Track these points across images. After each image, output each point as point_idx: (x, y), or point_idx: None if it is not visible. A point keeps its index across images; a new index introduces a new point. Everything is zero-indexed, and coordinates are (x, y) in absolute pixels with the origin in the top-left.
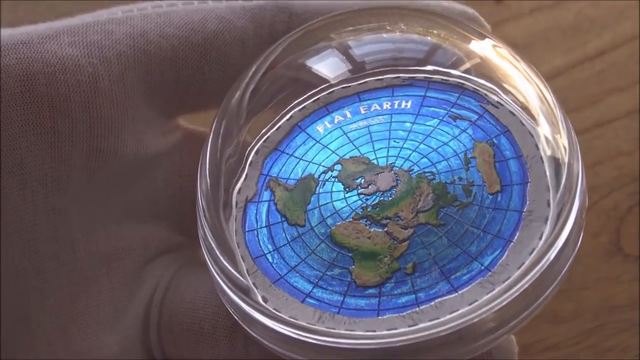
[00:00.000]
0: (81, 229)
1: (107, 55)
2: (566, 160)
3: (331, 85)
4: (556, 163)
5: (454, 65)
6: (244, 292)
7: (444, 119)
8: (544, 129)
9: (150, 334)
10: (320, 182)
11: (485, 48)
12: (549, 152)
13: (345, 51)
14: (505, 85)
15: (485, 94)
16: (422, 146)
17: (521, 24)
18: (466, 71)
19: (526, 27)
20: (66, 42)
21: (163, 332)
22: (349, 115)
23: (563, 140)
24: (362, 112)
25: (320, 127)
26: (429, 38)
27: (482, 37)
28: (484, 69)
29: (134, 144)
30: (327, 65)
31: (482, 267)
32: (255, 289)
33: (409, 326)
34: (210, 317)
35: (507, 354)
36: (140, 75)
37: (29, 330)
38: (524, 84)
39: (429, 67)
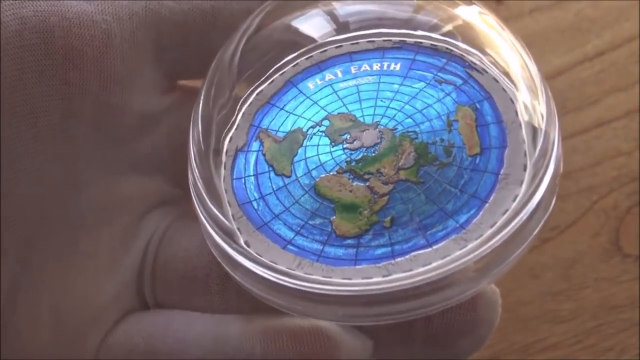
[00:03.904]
0: (85, 179)
1: (120, 13)
2: (543, 127)
3: (323, 45)
4: (534, 129)
5: (437, 28)
6: (229, 235)
7: (430, 82)
8: (523, 96)
9: (145, 282)
10: (308, 136)
11: (471, 13)
12: (527, 118)
13: (330, 12)
14: (489, 51)
15: (472, 61)
16: (407, 107)
17: (521, 24)
18: (450, 34)
19: (526, 27)
20: None
21: (157, 280)
22: (339, 74)
23: (541, 108)
24: (353, 71)
25: (311, 84)
26: (413, 0)
27: (468, 3)
28: (468, 34)
29: (140, 101)
30: (314, 26)
31: (457, 225)
32: (239, 234)
33: (383, 276)
34: (204, 265)
35: (491, 306)
36: (150, 35)
37: (31, 277)
38: (507, 51)
39: (418, 32)
